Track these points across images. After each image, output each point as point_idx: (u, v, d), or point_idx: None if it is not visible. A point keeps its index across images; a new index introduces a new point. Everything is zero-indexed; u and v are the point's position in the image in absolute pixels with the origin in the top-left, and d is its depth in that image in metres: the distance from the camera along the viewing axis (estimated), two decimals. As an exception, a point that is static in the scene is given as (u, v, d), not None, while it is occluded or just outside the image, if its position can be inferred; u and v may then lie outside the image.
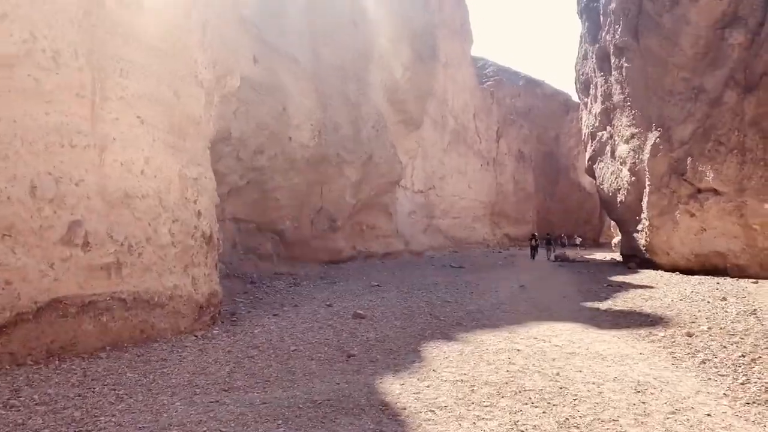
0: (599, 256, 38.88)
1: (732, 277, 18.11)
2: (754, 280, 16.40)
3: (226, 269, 13.39)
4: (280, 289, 13.64)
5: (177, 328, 7.57)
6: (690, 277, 19.06)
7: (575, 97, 55.64)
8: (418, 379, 6.22)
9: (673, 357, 7.33)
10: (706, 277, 18.66)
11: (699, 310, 10.75)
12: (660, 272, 21.79)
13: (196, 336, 7.72)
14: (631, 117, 23.00)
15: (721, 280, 17.39)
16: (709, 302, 11.84)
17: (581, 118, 33.03)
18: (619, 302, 12.63)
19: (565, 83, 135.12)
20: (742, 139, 17.53)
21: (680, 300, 12.30)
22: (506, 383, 5.98)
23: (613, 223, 40.74)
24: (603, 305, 12.27)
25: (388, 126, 28.20)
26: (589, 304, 12.44)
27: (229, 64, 9.92)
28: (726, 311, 10.48)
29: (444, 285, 15.96)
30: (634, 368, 6.74)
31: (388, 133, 27.45)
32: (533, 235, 37.12)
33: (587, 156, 29.96)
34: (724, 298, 12.30)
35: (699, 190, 19.49)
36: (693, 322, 9.48)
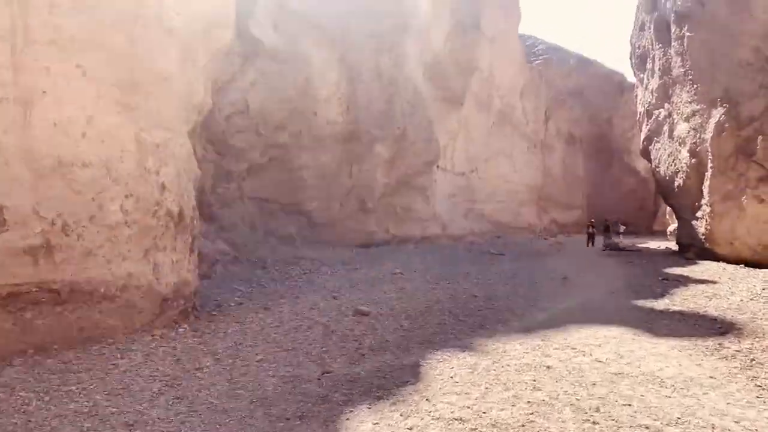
0: (653, 244, 36.38)
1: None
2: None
3: (235, 252, 12.26)
4: (291, 276, 12.45)
5: (131, 325, 6.41)
6: (757, 271, 16.95)
7: (630, 77, 52.57)
8: (401, 415, 4.80)
9: (756, 384, 5.68)
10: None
11: (777, 314, 8.98)
12: (722, 264, 19.64)
13: (153, 336, 6.52)
14: (693, 92, 20.74)
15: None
16: (788, 303, 10.01)
17: (636, 96, 30.57)
18: (677, 300, 10.88)
19: (620, 63, 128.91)
20: None
21: (751, 299, 10.49)
22: (522, 426, 4.51)
23: (668, 209, 38.03)
24: (658, 304, 10.57)
25: (426, 103, 26.65)
26: (641, 303, 10.75)
27: (216, 13, 8.51)
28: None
29: (476, 274, 14.44)
30: (705, 402, 5.14)
31: (425, 110, 25.88)
32: (591, 222, 35.43)
33: (642, 136, 27.64)
34: (807, 298, 10.42)
35: (770, 173, 17.30)
36: (773, 331, 7.76)
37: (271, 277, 11.97)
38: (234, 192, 15.71)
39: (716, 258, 21.08)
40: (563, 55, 58.99)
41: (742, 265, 18.55)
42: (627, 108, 57.92)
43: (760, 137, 17.37)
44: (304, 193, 20.04)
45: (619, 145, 57.42)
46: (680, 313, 9.65)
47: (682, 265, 19.13)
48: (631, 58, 28.81)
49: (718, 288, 12.41)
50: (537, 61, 55.13)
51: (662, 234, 54.92)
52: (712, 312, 9.53)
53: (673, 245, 34.13)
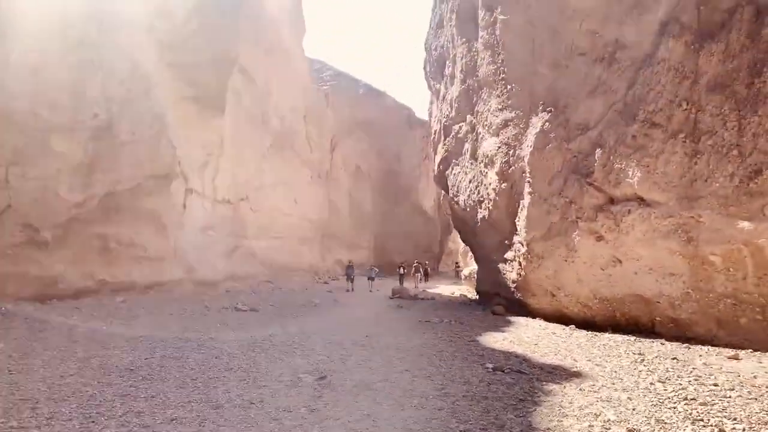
0: (444, 289, 32.04)
1: (665, 338, 11.27)
2: (730, 353, 9.39)
3: None
4: None
5: None
6: (600, 335, 11.97)
7: (420, 113, 50.01)
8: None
9: None
10: (623, 336, 11.68)
11: None
12: (543, 324, 14.68)
13: None
14: (506, 96, 15.88)
15: (658, 345, 10.39)
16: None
17: (430, 113, 25.89)
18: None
19: (408, 98, 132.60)
20: (693, 115, 10.75)
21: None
22: None
23: (463, 248, 34.29)
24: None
25: (157, 93, 18.70)
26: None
27: None
28: None
29: (130, 374, 6.99)
30: None
31: (152, 102, 17.92)
32: (401, 264, 34.31)
33: (437, 159, 22.68)
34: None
35: (612, 200, 12.59)
36: None
37: None
38: None
39: (530, 313, 16.24)
40: (352, 83, 55.01)
41: (570, 326, 13.65)
42: (415, 144, 55.53)
43: (598, 150, 12.65)
44: None
45: (408, 183, 54.43)
46: None
47: (498, 327, 13.59)
48: (425, 67, 24.03)
49: (603, 391, 6.50)
50: (324, 87, 50.13)
51: (448, 275, 52.62)
52: None
53: (466, 289, 30.17)
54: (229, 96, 25.62)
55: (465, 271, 30.34)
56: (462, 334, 11.95)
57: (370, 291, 27.17)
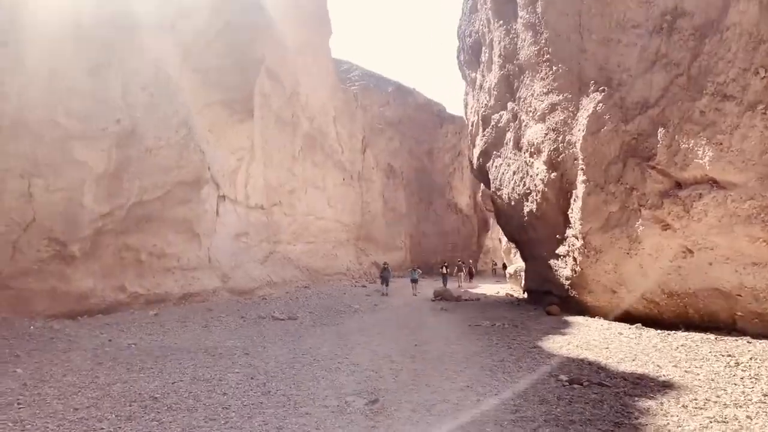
0: (487, 288, 30.83)
1: (750, 335, 9.99)
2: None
3: None
4: None
5: None
6: (673, 334, 10.75)
7: (451, 108, 48.67)
8: None
9: None
10: (701, 335, 10.44)
11: None
12: (602, 322, 13.52)
13: None
14: (551, 78, 14.73)
15: (746, 344, 9.15)
16: None
17: (465, 104, 24.76)
18: None
19: (438, 95, 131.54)
20: (775, 82, 9.47)
21: None
22: None
23: (506, 245, 33.02)
24: None
25: (183, 97, 18.09)
26: None
27: None
28: None
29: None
30: None
31: (177, 105, 17.27)
32: (444, 263, 32.81)
33: (476, 152, 21.56)
34: None
35: (679, 184, 11.34)
36: None
37: None
38: None
39: (588, 312, 15.07)
40: (381, 83, 54.17)
41: (638, 325, 12.43)
42: (447, 141, 54.37)
43: (661, 130, 11.42)
44: None
45: (441, 180, 53.26)
46: None
47: (557, 329, 12.46)
48: (459, 56, 22.93)
49: (711, 408, 5.42)
50: (353, 87, 49.35)
51: (486, 273, 51.18)
52: None
53: (511, 288, 28.93)
54: (257, 99, 25.00)
55: (510, 269, 29.07)
56: (520, 339, 10.86)
57: (415, 295, 25.77)
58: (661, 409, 5.50)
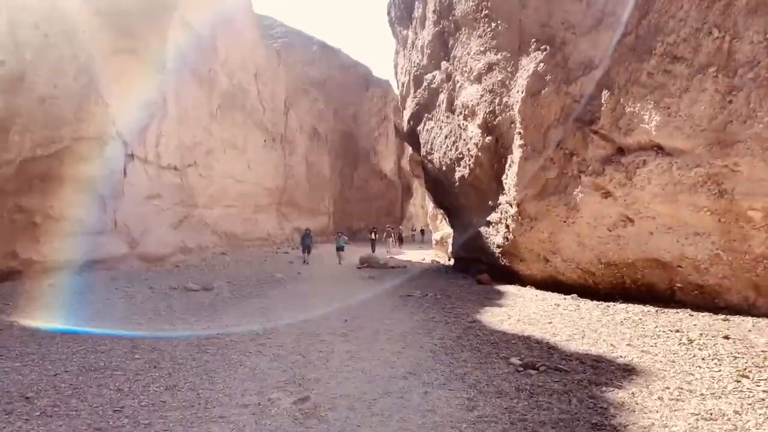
0: (412, 255, 30.34)
1: (690, 308, 9.71)
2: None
3: None
4: None
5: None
6: (612, 306, 10.38)
7: (377, 72, 47.65)
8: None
9: None
10: (640, 307, 10.11)
11: None
12: (535, 292, 13.14)
13: None
14: (490, 36, 13.87)
15: (688, 317, 8.83)
16: None
17: (396, 64, 23.61)
18: None
19: (364, 57, 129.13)
20: (727, 44, 8.99)
21: None
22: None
23: (432, 211, 32.55)
24: None
25: (89, 46, 15.96)
26: None
27: None
28: None
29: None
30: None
31: (80, 52, 15.16)
32: (372, 229, 32.80)
33: (407, 114, 20.62)
34: None
35: (622, 150, 10.85)
36: None
37: None
38: None
39: (519, 280, 14.69)
40: (305, 41, 51.96)
41: (573, 296, 12.06)
42: (373, 104, 53.21)
43: (605, 93, 10.83)
44: None
45: (366, 145, 52.19)
46: None
47: (492, 300, 11.89)
48: (390, 12, 21.66)
49: (688, 399, 4.83)
50: (275, 44, 46.92)
51: (408, 240, 50.88)
52: None
53: (436, 255, 28.54)
54: (170, 50, 22.83)
55: (436, 236, 28.63)
56: (456, 312, 10.14)
57: (340, 263, 24.14)
58: (636, 403, 4.82)
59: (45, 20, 14.17)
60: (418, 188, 69.17)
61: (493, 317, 9.54)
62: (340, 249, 24.92)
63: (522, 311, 10.10)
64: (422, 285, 15.09)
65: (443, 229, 27.71)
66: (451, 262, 21.86)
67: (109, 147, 17.49)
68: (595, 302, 11.12)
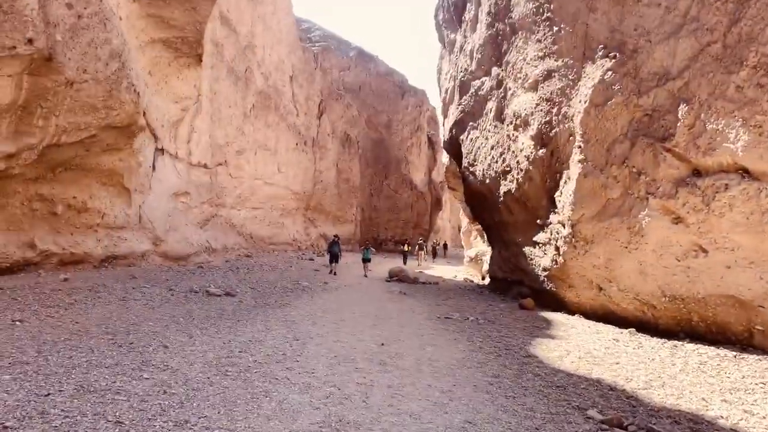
0: (442, 270, 29.20)
1: (773, 355, 8.49)
2: None
3: None
4: None
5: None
6: (680, 346, 9.20)
7: (413, 81, 46.94)
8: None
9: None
10: (712, 349, 8.93)
11: None
12: (585, 322, 11.99)
13: None
14: (550, 40, 12.82)
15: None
16: None
17: (440, 70, 22.62)
18: None
19: (400, 65, 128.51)
20: (841, 55, 7.82)
21: None
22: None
23: (466, 227, 31.37)
24: None
25: (125, 31, 15.31)
26: None
27: None
28: None
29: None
30: None
31: (114, 37, 14.49)
32: (405, 241, 31.91)
33: (449, 122, 19.59)
34: None
35: (699, 172, 9.67)
36: None
37: None
38: None
39: (564, 307, 13.57)
40: (342, 46, 51.40)
41: (631, 330, 10.88)
42: (407, 113, 52.31)
43: (683, 106, 9.69)
44: None
45: (398, 154, 51.22)
46: None
47: (540, 329, 10.76)
48: (437, 15, 20.71)
49: None
50: (313, 48, 46.41)
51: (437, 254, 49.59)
52: None
53: (467, 272, 27.37)
54: (207, 45, 22.30)
55: (470, 252, 27.41)
56: (506, 343, 9.03)
57: (366, 275, 22.39)
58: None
59: (79, 0, 13.53)
60: (447, 202, 68.03)
61: (550, 352, 8.42)
62: (366, 260, 23.16)
63: (580, 346, 8.96)
64: (460, 306, 14.00)
65: (477, 246, 26.52)
66: (486, 281, 20.70)
67: (138, 139, 16.81)
68: (657, 339, 9.97)
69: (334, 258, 22.12)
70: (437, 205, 56.15)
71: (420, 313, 12.30)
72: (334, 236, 23.85)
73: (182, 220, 22.23)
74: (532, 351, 8.40)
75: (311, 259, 29.70)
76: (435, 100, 70.69)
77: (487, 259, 21.41)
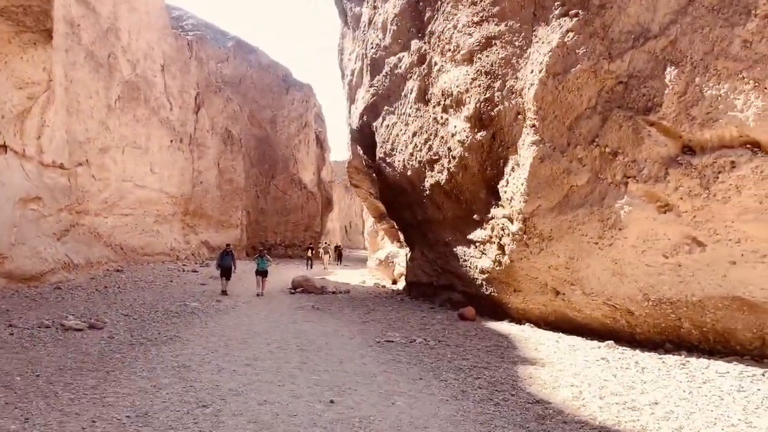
0: (345, 275, 26.70)
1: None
2: None
3: None
4: None
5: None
6: (690, 361, 7.45)
7: (298, 75, 44.33)
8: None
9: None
10: (733, 364, 7.24)
11: None
12: (544, 333, 10.14)
13: None
14: (488, 1, 10.76)
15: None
16: None
17: (341, 50, 20.04)
18: None
19: (283, 59, 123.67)
20: None
21: None
22: None
23: (371, 227, 29.02)
24: None
25: None
26: None
27: None
28: None
29: None
30: None
31: None
32: (309, 245, 30.14)
33: (359, 107, 17.12)
34: None
35: (691, 149, 7.97)
36: None
37: None
38: None
39: (508, 315, 11.66)
40: (219, 36, 47.31)
41: (610, 342, 9.08)
42: (293, 109, 49.25)
43: (671, 70, 7.94)
44: None
45: (285, 152, 48.03)
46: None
47: (507, 349, 8.64)
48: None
49: None
50: (187, 36, 42.07)
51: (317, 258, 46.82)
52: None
53: (373, 276, 25.12)
54: (61, 24, 18.25)
55: (378, 255, 24.96)
56: (485, 377, 6.76)
57: (260, 294, 17.21)
58: None
59: None
60: (337, 202, 65.58)
61: (542, 385, 6.30)
62: (262, 274, 17.72)
63: (581, 376, 6.88)
64: (390, 321, 11.59)
65: (386, 248, 24.31)
66: (400, 286, 18.52)
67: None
68: (648, 354, 8.19)
69: (226, 273, 17.46)
70: (328, 205, 53.61)
71: (351, 337, 9.74)
72: (226, 245, 18.99)
73: (33, 232, 17.94)
74: (529, 389, 6.18)
75: (195, 271, 26.06)
76: (322, 97, 67.99)
77: (400, 261, 19.27)
